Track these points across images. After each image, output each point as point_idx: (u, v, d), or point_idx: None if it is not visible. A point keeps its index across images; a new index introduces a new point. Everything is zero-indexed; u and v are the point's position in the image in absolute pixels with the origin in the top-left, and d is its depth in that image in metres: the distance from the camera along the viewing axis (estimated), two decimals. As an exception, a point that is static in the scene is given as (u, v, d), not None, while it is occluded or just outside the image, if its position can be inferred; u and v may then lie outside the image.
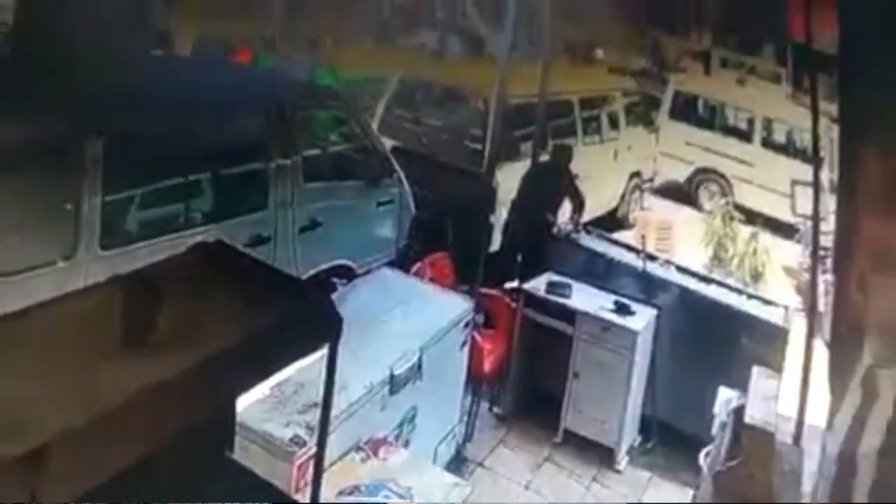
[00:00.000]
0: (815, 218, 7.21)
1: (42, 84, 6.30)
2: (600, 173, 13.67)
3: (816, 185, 7.18)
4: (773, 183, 15.35)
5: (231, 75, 9.91)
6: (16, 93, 6.36)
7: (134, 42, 7.95)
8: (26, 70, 6.75)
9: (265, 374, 4.37)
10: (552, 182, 10.99)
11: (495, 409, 8.81)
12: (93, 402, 3.28)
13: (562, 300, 8.64)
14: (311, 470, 4.68)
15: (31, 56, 7.06)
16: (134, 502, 3.39)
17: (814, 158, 7.50)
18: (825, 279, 7.33)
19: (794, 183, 10.07)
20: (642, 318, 8.55)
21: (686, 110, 18.60)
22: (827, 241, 7.05)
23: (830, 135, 8.09)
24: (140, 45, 8.57)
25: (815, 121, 7.06)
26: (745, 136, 17.91)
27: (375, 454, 5.84)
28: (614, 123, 15.64)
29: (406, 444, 6.44)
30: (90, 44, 6.79)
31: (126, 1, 7.64)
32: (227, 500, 4.01)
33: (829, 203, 6.83)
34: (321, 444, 4.49)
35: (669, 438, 8.54)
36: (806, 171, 9.09)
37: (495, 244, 10.35)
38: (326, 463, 4.58)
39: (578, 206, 10.95)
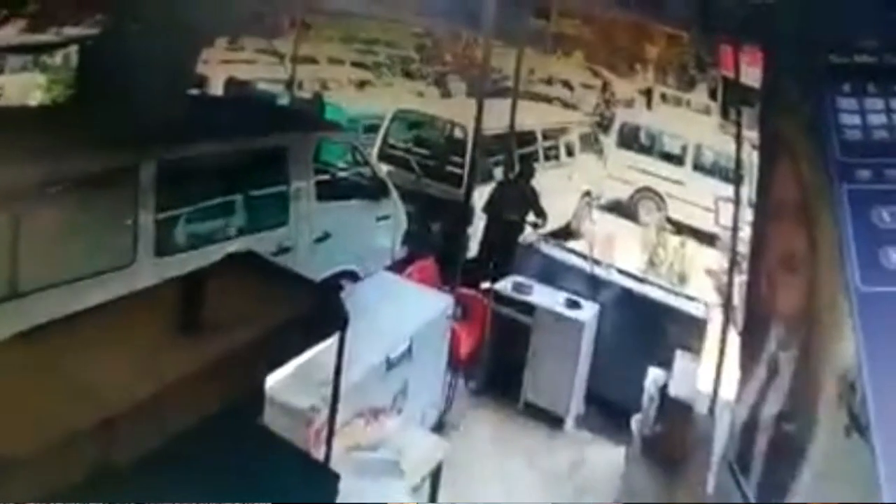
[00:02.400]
0: (735, 228, 7.33)
1: (103, 123, 6.41)
2: (557, 192, 13.76)
3: (737, 200, 7.31)
4: (700, 200, 15.39)
5: (256, 112, 10.00)
6: (82, 131, 6.48)
7: (178, 84, 8.07)
8: (90, 112, 6.86)
9: (287, 358, 4.55)
10: (518, 196, 11.14)
11: (470, 385, 8.94)
12: (153, 380, 3.46)
13: (524, 297, 8.80)
14: (324, 432, 4.89)
15: (93, 100, 7.18)
16: (187, 461, 3.55)
17: (735, 177, 7.63)
18: (740, 280, 7.44)
19: (718, 199, 10.15)
20: (588, 312, 8.73)
21: (630, 139, 18.60)
22: (743, 248, 7.18)
23: (751, 158, 8.16)
24: (183, 87, 8.68)
25: (739, 145, 7.18)
26: (679, 161, 17.90)
27: (375, 419, 6.00)
28: (570, 151, 15.70)
29: (399, 412, 6.60)
30: (142, 87, 6.91)
31: (173, 50, 7.76)
32: (258, 457, 4.17)
33: (747, 216, 6.93)
34: (332, 412, 4.71)
35: (607, 409, 8.70)
36: (728, 189, 9.20)
37: (473, 251, 10.49)
38: (336, 427, 4.80)
39: (542, 219, 11.09)
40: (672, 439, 5.95)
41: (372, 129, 13.68)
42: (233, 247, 6.22)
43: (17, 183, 5.68)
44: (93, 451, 3.19)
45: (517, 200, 11.23)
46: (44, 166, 5.92)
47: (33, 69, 7.46)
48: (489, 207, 11.22)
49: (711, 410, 7.18)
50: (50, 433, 3.12)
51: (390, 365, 6.42)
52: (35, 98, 7.57)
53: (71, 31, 7.95)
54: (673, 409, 6.11)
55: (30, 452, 3.05)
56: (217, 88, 13.97)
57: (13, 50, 7.10)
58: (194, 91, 11.75)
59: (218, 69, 14.50)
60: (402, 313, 7.06)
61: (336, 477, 4.45)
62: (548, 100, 22.04)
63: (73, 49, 7.50)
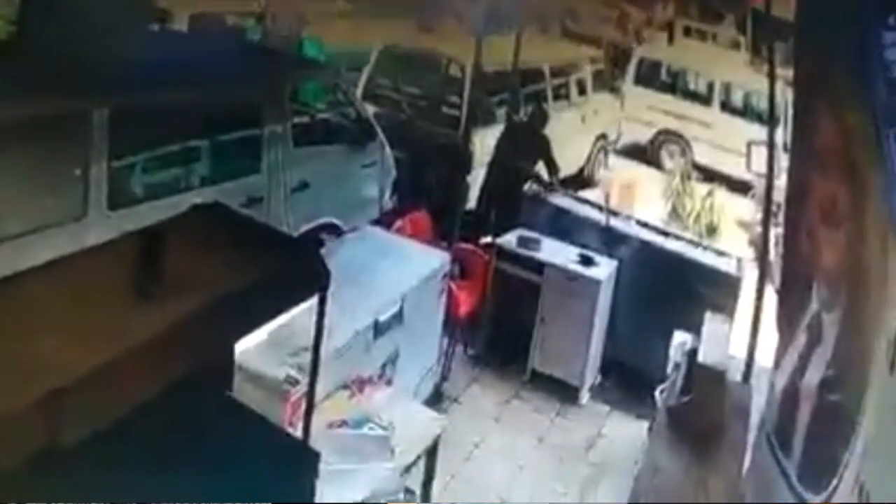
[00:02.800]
0: (769, 175, 7.29)
1: (51, 62, 6.35)
2: (568, 136, 13.70)
3: (771, 144, 7.26)
4: (729, 143, 15.36)
5: (224, 49, 9.92)
6: (27, 71, 6.42)
7: (135, 19, 7.99)
8: (35, 50, 6.80)
9: (260, 321, 4.50)
10: (528, 143, 11.05)
11: (470, 352, 8.93)
12: (108, 346, 3.41)
13: (531, 253, 8.76)
14: (302, 406, 4.81)
15: (38, 37, 7.10)
16: (145, 437, 3.52)
17: (769, 118, 7.58)
18: (776, 232, 7.40)
19: (750, 143, 10.10)
20: (605, 269, 8.68)
21: (649, 76, 18.55)
22: (779, 197, 7.13)
23: (786, 98, 8.12)
24: (141, 22, 8.61)
25: (772, 84, 7.13)
26: (705, 100, 17.89)
27: (361, 391, 5.97)
28: (582, 89, 15.64)
29: (389, 383, 6.57)
30: (94, 22, 6.83)
31: None
32: (227, 435, 4.14)
33: (783, 161, 6.89)
34: (312, 383, 4.60)
35: (627, 378, 8.69)
36: (760, 132, 9.16)
37: (472, 203, 10.44)
38: (316, 400, 4.69)
39: (555, 172, 11.01)
40: (701, 411, 5.92)
41: (355, 67, 13.60)
42: (197, 198, 6.16)
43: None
44: (38, 428, 3.15)
45: (526, 149, 11.15)
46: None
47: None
48: (496, 156, 11.13)
49: (746, 378, 7.17)
50: None
51: (378, 330, 6.36)
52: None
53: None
54: (702, 378, 6.07)
55: None
56: (181, 23, 13.88)
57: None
58: (154, 26, 11.66)
59: (182, 1, 14.39)
60: (391, 271, 7.02)
61: (316, 456, 4.40)
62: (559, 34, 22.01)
63: (15, -23, 7.41)
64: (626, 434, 7.81)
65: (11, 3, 7.71)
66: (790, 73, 5.44)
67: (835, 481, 3.89)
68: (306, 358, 4.80)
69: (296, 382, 5.22)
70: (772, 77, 7.07)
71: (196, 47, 9.84)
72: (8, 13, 7.78)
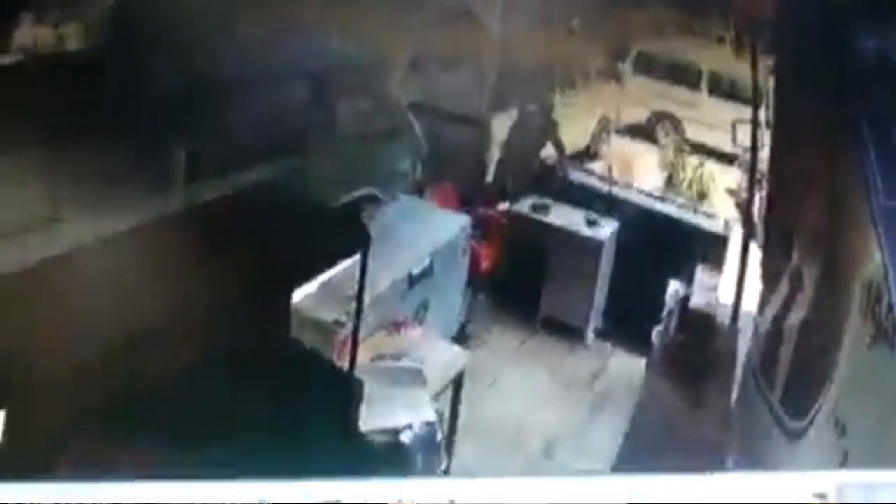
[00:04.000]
0: (754, 147, 7.27)
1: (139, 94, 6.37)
2: (576, 118, 13.67)
3: (755, 121, 7.24)
4: (717, 122, 15.25)
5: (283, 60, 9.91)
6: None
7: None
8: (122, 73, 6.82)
9: (312, 275, 4.61)
10: (538, 129, 11.09)
11: (490, 300, 8.96)
12: (178, 300, 3.49)
13: (542, 217, 8.78)
14: (349, 343, 4.93)
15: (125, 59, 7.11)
16: (225, 373, 3.59)
17: (753, 100, 7.55)
18: (760, 196, 7.39)
19: (735, 121, 10.09)
20: (607, 230, 8.70)
21: (646, 66, 18.41)
22: (762, 166, 7.11)
23: (768, 83, 8.07)
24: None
25: (755, 70, 7.10)
26: (695, 86, 17.76)
27: (398, 332, 6.09)
28: (587, 78, 15.58)
29: (421, 324, 6.65)
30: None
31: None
32: (289, 367, 4.22)
33: (764, 137, 6.88)
34: (356, 325, 4.79)
35: (627, 322, 8.69)
36: (745, 112, 9.12)
37: (490, 176, 10.47)
38: (360, 338, 4.89)
39: (561, 151, 11.04)
40: (693, 348, 5.96)
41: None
42: (258, 175, 6.22)
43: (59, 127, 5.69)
44: (127, 368, 3.23)
45: (536, 131, 11.18)
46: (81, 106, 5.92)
47: (69, 21, 7.36)
48: (510, 136, 11.18)
49: (734, 321, 7.17)
50: (84, 352, 3.15)
51: (412, 281, 6.49)
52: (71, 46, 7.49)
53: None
54: (694, 320, 6.11)
55: (62, 370, 3.08)
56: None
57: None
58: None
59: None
60: (422, 232, 7.10)
61: (360, 384, 4.62)
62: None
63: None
64: (626, 368, 7.83)
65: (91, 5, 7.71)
66: (771, 61, 5.44)
67: (814, 409, 3.91)
68: (351, 305, 4.95)
69: (343, 324, 5.27)
70: (754, 64, 7.05)
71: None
72: (85, 19, 7.77)
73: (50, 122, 5.88)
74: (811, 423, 3.93)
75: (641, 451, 5.56)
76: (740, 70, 16.25)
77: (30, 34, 6.24)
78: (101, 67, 7.00)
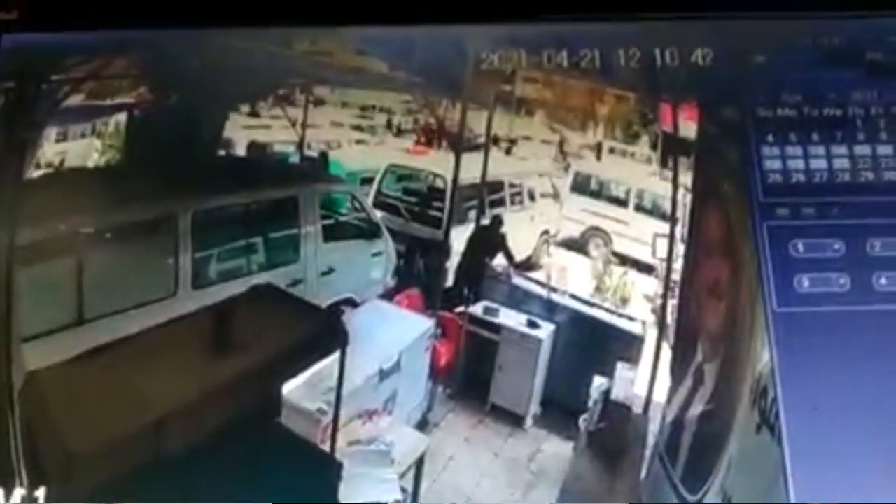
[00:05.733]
0: (669, 259, 7.44)
1: (150, 179, 6.52)
2: (520, 231, 13.82)
3: (671, 236, 7.39)
4: (640, 236, 15.30)
5: (273, 169, 10.11)
6: (133, 185, 6.61)
7: (209, 147, 8.17)
8: (140, 169, 6.97)
9: (300, 370, 4.73)
10: (490, 239, 11.26)
11: (447, 391, 9.04)
12: (193, 389, 3.64)
13: (492, 319, 8.93)
14: (329, 429, 5.23)
15: (142, 159, 7.27)
16: (221, 453, 3.72)
17: (671, 217, 7.71)
18: (673, 303, 7.52)
19: (655, 235, 10.25)
20: (546, 331, 8.84)
21: (582, 185, 18.47)
22: (676, 276, 7.28)
23: (685, 200, 8.19)
24: (213, 149, 8.81)
25: (675, 189, 7.26)
26: (623, 203, 17.84)
27: (370, 419, 6.17)
28: (532, 196, 15.77)
29: (390, 413, 6.73)
30: (180, 147, 7.01)
31: (203, 118, 7.86)
32: (277, 450, 4.35)
33: (680, 250, 7.04)
34: (336, 413, 5.00)
35: (559, 410, 8.79)
36: (664, 227, 9.29)
37: (450, 282, 10.60)
38: (339, 425, 5.16)
39: (510, 260, 11.18)
40: (612, 434, 6.07)
41: (367, 180, 13.71)
42: (255, 280, 6.36)
43: (81, 230, 5.82)
44: (147, 446, 3.35)
45: (489, 245, 11.35)
46: (101, 216, 6.05)
47: (91, 136, 7.55)
48: (467, 250, 11.31)
49: (646, 411, 7.30)
50: (111, 433, 3.29)
51: (383, 375, 6.55)
52: (93, 160, 7.65)
53: (121, 100, 8.06)
54: (613, 410, 6.21)
55: (94, 448, 3.22)
56: (241, 149, 14.01)
57: (75, 119, 7.22)
58: (222, 152, 11.81)
59: (241, 133, 14.51)
60: (392, 333, 7.15)
61: (340, 465, 4.82)
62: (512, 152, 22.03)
63: (123, 117, 7.60)
64: (557, 450, 7.92)
65: (119, 134, 7.92)
66: (689, 180, 5.62)
67: (706, 486, 4.05)
68: (332, 395, 5.23)
69: (325, 413, 5.45)
70: (675, 183, 7.18)
71: (251, 167, 10.05)
72: (118, 143, 7.97)
73: (75, 230, 6.06)
74: (704, 496, 4.07)
75: (568, 520, 5.67)
76: (662, 188, 16.50)
77: (56, 149, 6.45)
78: (120, 179, 7.22)
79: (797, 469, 3.06)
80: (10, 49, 3.78)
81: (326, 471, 4.80)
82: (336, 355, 4.99)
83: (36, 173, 5.54)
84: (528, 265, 12.87)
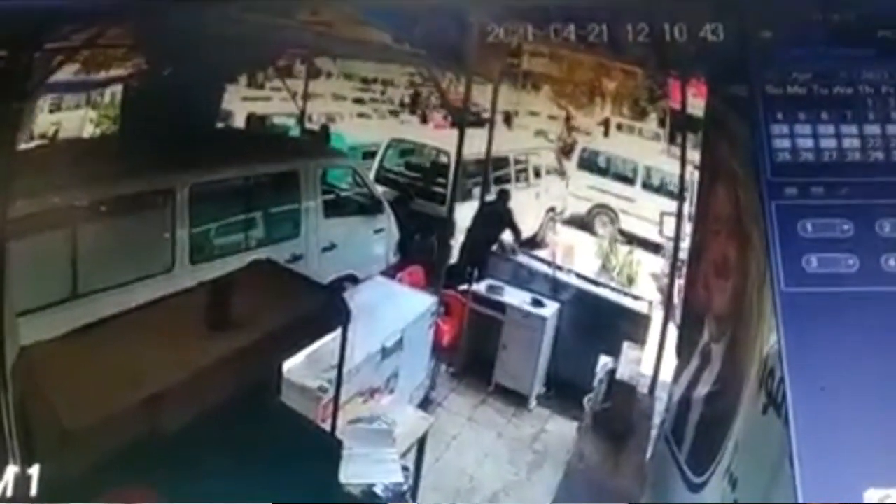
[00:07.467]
0: (676, 238, 7.39)
1: (147, 151, 6.47)
2: (526, 209, 13.75)
3: (679, 214, 7.35)
4: (648, 214, 15.29)
5: (272, 142, 10.05)
6: (129, 157, 6.55)
7: (207, 119, 8.13)
8: (137, 141, 6.92)
9: (300, 347, 4.71)
10: (496, 217, 11.19)
11: (450, 370, 9.01)
12: (190, 365, 3.62)
13: (497, 297, 8.90)
14: (330, 408, 5.14)
15: (138, 130, 7.23)
16: (220, 431, 3.71)
17: (679, 195, 7.65)
18: (680, 282, 7.48)
19: (662, 213, 10.19)
20: (550, 310, 8.82)
21: (589, 162, 18.49)
22: (683, 255, 7.23)
23: (693, 178, 8.12)
24: (211, 121, 8.75)
25: (683, 167, 7.20)
26: (630, 181, 17.83)
27: (372, 398, 6.12)
28: (537, 173, 15.64)
29: (392, 392, 6.69)
30: (177, 119, 6.97)
31: (201, 89, 7.79)
32: (277, 428, 4.35)
33: (688, 228, 6.97)
34: (337, 391, 5.02)
35: (564, 390, 8.77)
36: (672, 205, 9.22)
37: (454, 259, 10.53)
38: (340, 403, 5.12)
39: (517, 236, 11.12)
40: (617, 414, 6.08)
41: (370, 155, 13.62)
42: (254, 256, 6.34)
43: (75, 203, 5.78)
44: (142, 424, 3.34)
45: (496, 219, 11.28)
46: (96, 189, 6.02)
47: (85, 107, 7.52)
48: (473, 226, 11.25)
49: (652, 391, 7.29)
50: (106, 409, 3.27)
51: (385, 353, 6.57)
52: (88, 131, 7.61)
53: (116, 72, 8.00)
54: (619, 390, 6.23)
55: (89, 425, 3.20)
56: (240, 122, 13.92)
57: (69, 89, 7.17)
58: (220, 124, 11.73)
59: (239, 105, 14.42)
60: (394, 311, 7.16)
61: (340, 444, 4.73)
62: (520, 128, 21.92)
63: (118, 88, 7.53)
64: (561, 430, 7.90)
65: (115, 105, 7.85)
66: (698, 158, 5.50)
67: (712, 467, 4.03)
68: (333, 373, 5.15)
69: (325, 391, 5.35)
70: (683, 161, 7.13)
71: (251, 140, 9.99)
72: (113, 114, 7.91)
73: (69, 202, 6.00)
74: (710, 477, 4.05)
75: (572, 500, 5.67)
76: (670, 165, 16.35)
77: (49, 120, 6.28)
78: (115, 151, 7.15)
79: (804, 450, 2.95)
80: (2, 16, 3.73)
81: (327, 449, 4.70)
82: (337, 332, 4.96)
83: (29, 144, 5.46)
84: (533, 243, 12.69)
